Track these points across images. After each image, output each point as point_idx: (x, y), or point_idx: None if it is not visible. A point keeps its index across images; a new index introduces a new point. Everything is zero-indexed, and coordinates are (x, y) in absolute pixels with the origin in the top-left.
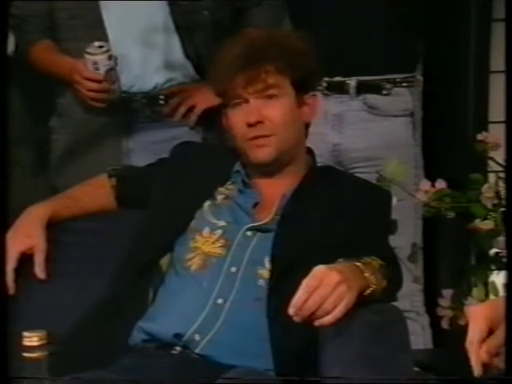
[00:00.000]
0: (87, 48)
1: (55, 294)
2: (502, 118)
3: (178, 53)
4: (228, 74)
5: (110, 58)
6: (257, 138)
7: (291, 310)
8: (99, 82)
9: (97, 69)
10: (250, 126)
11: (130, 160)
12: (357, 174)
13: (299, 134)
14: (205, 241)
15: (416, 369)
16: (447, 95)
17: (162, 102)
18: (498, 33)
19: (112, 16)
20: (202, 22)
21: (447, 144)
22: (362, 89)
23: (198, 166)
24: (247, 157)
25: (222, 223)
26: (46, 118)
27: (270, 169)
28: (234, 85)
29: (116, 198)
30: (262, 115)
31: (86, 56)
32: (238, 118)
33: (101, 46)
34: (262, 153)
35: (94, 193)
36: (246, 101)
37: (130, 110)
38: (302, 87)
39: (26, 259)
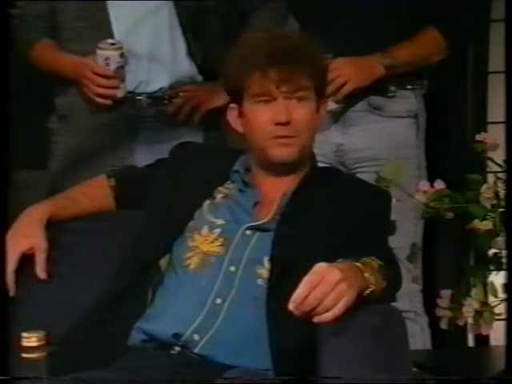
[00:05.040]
0: (99, 44)
1: (55, 294)
2: (501, 119)
3: (183, 54)
4: (257, 70)
5: (121, 55)
6: (282, 137)
7: (291, 305)
8: (109, 78)
9: (108, 64)
10: (277, 124)
11: (133, 160)
12: (360, 174)
13: (314, 138)
14: (203, 240)
15: (415, 369)
16: (446, 96)
17: (166, 101)
18: (497, 33)
19: (118, 18)
20: (207, 23)
21: (446, 144)
22: (367, 91)
23: (197, 167)
24: (267, 155)
25: (220, 222)
26: (45, 119)
27: (283, 169)
28: (265, 81)
29: (115, 198)
30: (291, 116)
31: (98, 51)
32: (263, 116)
33: (113, 43)
34: (286, 152)
35: (93, 193)
36: (274, 99)
37: (134, 110)
38: (322, 93)
39: (25, 259)
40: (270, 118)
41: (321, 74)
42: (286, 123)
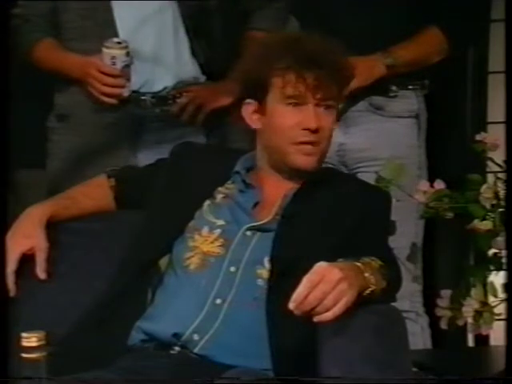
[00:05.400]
0: (105, 43)
1: (55, 294)
2: (501, 119)
3: (186, 54)
4: (292, 71)
5: (127, 54)
6: (306, 143)
7: (292, 305)
8: (115, 76)
9: (114, 63)
10: (305, 130)
11: (136, 159)
12: (361, 174)
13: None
14: (204, 240)
15: (415, 369)
16: (446, 96)
17: (170, 101)
18: (497, 33)
19: (123, 17)
20: (211, 23)
21: (446, 144)
22: (368, 91)
23: (198, 167)
24: (287, 160)
25: (220, 222)
26: (44, 118)
27: (296, 173)
28: (300, 84)
29: (115, 198)
30: (320, 123)
31: (104, 50)
32: (291, 119)
33: (119, 42)
34: (308, 161)
35: (93, 193)
36: (305, 104)
37: (138, 110)
38: (341, 102)
39: (25, 260)
40: (299, 122)
41: (348, 83)
42: (315, 130)
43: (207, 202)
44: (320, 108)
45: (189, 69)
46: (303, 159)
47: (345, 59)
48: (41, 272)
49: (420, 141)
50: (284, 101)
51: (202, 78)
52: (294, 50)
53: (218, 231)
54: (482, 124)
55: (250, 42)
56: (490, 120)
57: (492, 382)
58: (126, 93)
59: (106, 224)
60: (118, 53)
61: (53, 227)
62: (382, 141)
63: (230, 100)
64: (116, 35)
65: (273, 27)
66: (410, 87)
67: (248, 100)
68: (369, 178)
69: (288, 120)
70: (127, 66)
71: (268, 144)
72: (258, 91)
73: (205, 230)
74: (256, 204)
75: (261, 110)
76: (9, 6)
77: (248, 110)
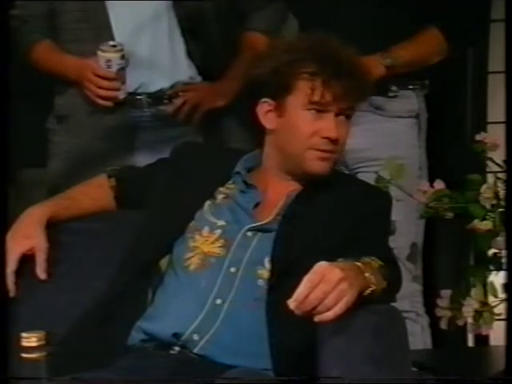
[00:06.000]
0: (101, 46)
1: (55, 294)
2: (501, 119)
3: (182, 55)
4: (319, 77)
5: (122, 57)
6: (323, 151)
7: (292, 304)
8: (110, 79)
9: (109, 66)
10: (325, 138)
11: (134, 159)
12: (362, 174)
13: None
14: (204, 240)
15: (415, 369)
16: (446, 96)
17: (166, 101)
18: (497, 33)
19: (118, 20)
20: (206, 24)
21: (446, 144)
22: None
23: (198, 167)
24: (302, 163)
25: (221, 223)
26: (44, 119)
27: (304, 176)
28: (326, 91)
29: (115, 198)
30: (340, 133)
31: (100, 53)
32: (312, 125)
33: (114, 45)
34: (323, 166)
35: (93, 193)
36: (326, 112)
37: (134, 110)
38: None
39: (26, 260)
40: (319, 129)
41: (367, 95)
42: (334, 140)
43: (208, 203)
44: (341, 117)
45: (185, 70)
46: (319, 164)
47: (365, 69)
48: (41, 272)
49: (420, 141)
50: (307, 106)
51: (198, 79)
52: (321, 56)
53: (219, 232)
54: (482, 124)
55: (246, 45)
56: (490, 120)
57: (492, 382)
58: (121, 95)
59: (106, 224)
60: (113, 56)
61: (53, 227)
62: (382, 141)
63: (227, 100)
64: (112, 37)
65: (271, 28)
66: (411, 87)
67: (265, 98)
68: (369, 177)
69: (308, 126)
70: (122, 69)
71: (283, 146)
72: (279, 92)
73: (205, 231)
74: (257, 204)
75: (278, 110)
76: (8, 6)
77: (264, 108)
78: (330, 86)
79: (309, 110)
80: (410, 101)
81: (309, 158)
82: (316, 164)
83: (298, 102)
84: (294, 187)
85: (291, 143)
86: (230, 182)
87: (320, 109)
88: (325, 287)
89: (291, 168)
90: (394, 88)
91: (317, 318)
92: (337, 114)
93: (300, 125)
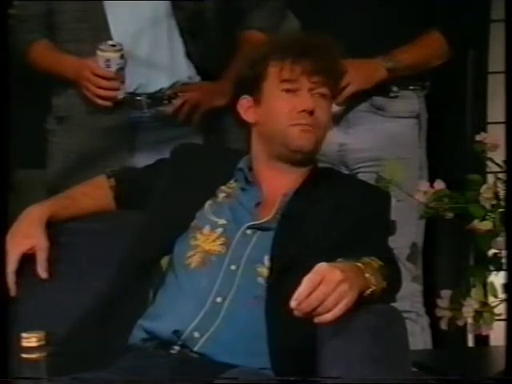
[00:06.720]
0: (100, 45)
1: (55, 294)
2: (501, 119)
3: (181, 55)
4: (288, 56)
5: (121, 57)
6: (304, 125)
7: (293, 304)
8: (109, 79)
9: (108, 66)
10: (302, 111)
11: (133, 160)
12: (362, 174)
13: (325, 137)
14: (205, 238)
15: (415, 369)
16: (446, 96)
17: (165, 102)
18: (497, 33)
19: (117, 20)
20: (205, 23)
21: (446, 145)
22: (369, 91)
23: (199, 167)
24: (287, 140)
25: (222, 221)
26: (43, 120)
27: (296, 159)
28: (296, 68)
29: (115, 198)
30: (315, 107)
31: (99, 53)
32: (287, 103)
33: (113, 45)
34: (306, 139)
35: (93, 193)
36: (300, 89)
37: (134, 110)
38: (335, 94)
39: (26, 259)
40: (295, 106)
41: (340, 77)
42: (311, 112)
43: (209, 202)
44: (315, 94)
45: (184, 70)
46: (301, 136)
47: (338, 54)
48: (42, 271)
49: (421, 141)
50: (280, 86)
51: (197, 79)
52: (290, 45)
53: (220, 230)
54: (482, 124)
55: (245, 43)
56: (490, 120)
57: (492, 381)
58: (120, 95)
59: (106, 224)
60: (113, 55)
61: (53, 227)
62: (382, 141)
63: (226, 100)
64: (111, 37)
65: (270, 26)
66: (411, 88)
67: (243, 96)
68: (370, 178)
69: (285, 104)
70: (121, 69)
71: (266, 132)
72: (253, 85)
73: (206, 229)
74: (258, 204)
75: (256, 102)
76: (6, 6)
77: (244, 105)
78: (298, 63)
79: (282, 90)
80: (410, 101)
81: (291, 134)
82: (299, 139)
83: (272, 86)
84: (290, 183)
85: (273, 126)
86: (232, 180)
87: (292, 87)
88: (325, 288)
89: (279, 151)
90: (394, 88)
91: (317, 320)
92: (310, 90)
93: (277, 106)
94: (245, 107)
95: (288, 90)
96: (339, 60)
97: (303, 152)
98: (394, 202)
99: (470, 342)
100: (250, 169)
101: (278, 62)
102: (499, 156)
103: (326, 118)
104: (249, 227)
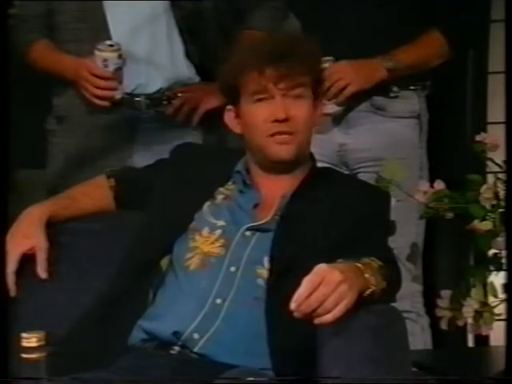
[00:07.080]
0: (98, 45)
1: (55, 294)
2: (501, 119)
3: (180, 55)
4: (253, 68)
5: (119, 57)
6: (280, 134)
7: (293, 305)
8: (107, 79)
9: (106, 66)
10: (275, 121)
11: (133, 161)
12: (362, 175)
13: (311, 137)
14: (204, 240)
15: (415, 369)
16: (446, 96)
17: (164, 102)
18: (497, 33)
19: (116, 20)
20: (205, 24)
21: (446, 145)
22: (369, 91)
23: (198, 167)
24: (266, 153)
25: (221, 223)
26: (44, 120)
27: (281, 167)
28: (262, 79)
29: (115, 198)
30: (289, 113)
31: (97, 53)
32: (261, 113)
33: (111, 45)
34: (284, 150)
35: (93, 193)
36: (272, 97)
37: (133, 111)
38: (318, 91)
39: (25, 259)
40: (268, 115)
41: (317, 70)
42: (284, 120)
43: (207, 203)
44: (288, 98)
45: (183, 70)
46: (278, 149)
47: (310, 48)
48: (42, 271)
49: (421, 141)
50: (252, 98)
51: (197, 79)
52: (256, 49)
53: (219, 232)
54: (482, 124)
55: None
56: (490, 120)
57: (492, 381)
58: (118, 95)
59: (106, 224)
60: (110, 55)
61: (53, 227)
62: (383, 141)
63: (225, 101)
64: (110, 37)
65: (270, 26)
66: (412, 88)
67: (228, 106)
68: (370, 178)
69: (258, 116)
70: (119, 69)
71: (248, 144)
72: (232, 95)
73: (205, 231)
74: (256, 205)
75: (238, 113)
76: (6, 6)
77: (229, 116)
78: (265, 72)
79: (255, 101)
80: (411, 101)
81: (269, 146)
82: (275, 149)
83: (247, 98)
84: (285, 185)
85: (251, 137)
86: (230, 182)
87: (264, 96)
88: (325, 289)
89: (262, 162)
90: (395, 88)
91: (316, 321)
92: (283, 96)
93: (253, 118)
94: (231, 118)
95: (260, 100)
96: (312, 55)
97: (285, 162)
98: (393, 201)
99: (470, 342)
100: (248, 171)
101: (245, 72)
102: (499, 156)
103: (306, 119)
104: (248, 229)
